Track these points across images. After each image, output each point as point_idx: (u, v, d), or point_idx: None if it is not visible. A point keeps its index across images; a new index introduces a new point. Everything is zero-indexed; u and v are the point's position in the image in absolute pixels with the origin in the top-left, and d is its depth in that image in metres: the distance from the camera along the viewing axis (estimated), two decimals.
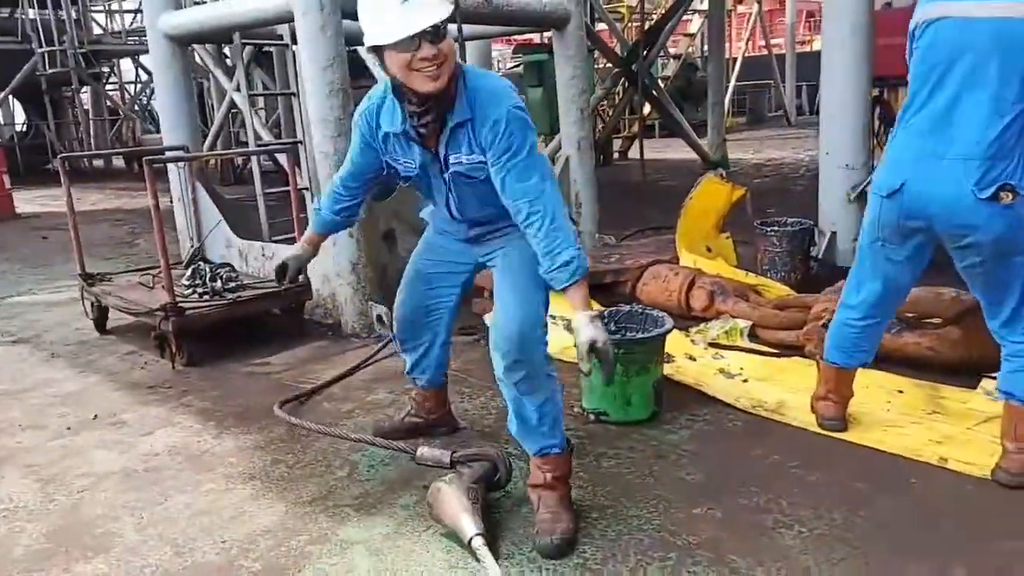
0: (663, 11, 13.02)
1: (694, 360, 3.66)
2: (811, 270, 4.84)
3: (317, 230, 2.78)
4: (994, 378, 2.64)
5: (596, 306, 4.12)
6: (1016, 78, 2.26)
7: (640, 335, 3.08)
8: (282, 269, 2.74)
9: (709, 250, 4.94)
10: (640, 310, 3.29)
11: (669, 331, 3.09)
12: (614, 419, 3.06)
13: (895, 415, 3.00)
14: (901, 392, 3.19)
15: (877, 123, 7.08)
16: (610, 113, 14.32)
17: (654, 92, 11.72)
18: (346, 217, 2.72)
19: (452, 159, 2.26)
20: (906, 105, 2.50)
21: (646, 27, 11.35)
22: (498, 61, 27.42)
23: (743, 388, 3.33)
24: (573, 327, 2.13)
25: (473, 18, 5.18)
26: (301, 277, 3.00)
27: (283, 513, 2.55)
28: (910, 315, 3.38)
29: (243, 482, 2.79)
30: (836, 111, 5.03)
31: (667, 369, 3.36)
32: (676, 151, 13.43)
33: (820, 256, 5.01)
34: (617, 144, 14.77)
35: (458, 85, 2.18)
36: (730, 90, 18.26)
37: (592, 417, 3.10)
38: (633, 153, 14.05)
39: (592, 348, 2.08)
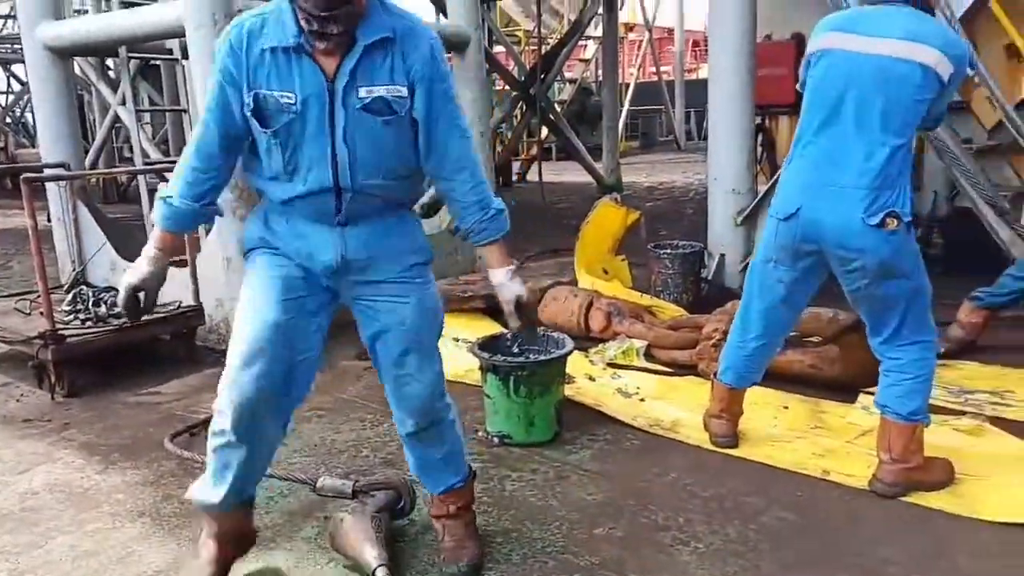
0: (559, 36, 13.35)
1: (593, 380, 3.75)
2: (702, 291, 5.04)
3: (170, 227, 1.98)
4: (871, 393, 2.83)
5: (493, 325, 4.19)
6: (898, 113, 2.45)
7: (542, 357, 3.13)
8: (134, 301, 1.95)
9: (606, 272, 5.08)
10: (542, 332, 3.35)
11: (570, 352, 3.16)
12: (517, 441, 3.09)
13: (782, 430, 3.16)
14: (787, 408, 3.36)
15: (760, 149, 7.48)
16: (509, 136, 14.51)
17: (551, 116, 11.96)
18: (208, 205, 1.99)
19: (362, 89, 1.81)
20: (799, 133, 2.67)
21: (543, 51, 11.57)
22: None
23: (640, 407, 3.43)
24: (496, 284, 2.11)
25: None
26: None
27: (176, 552, 2.44)
28: (793, 334, 3.57)
29: (131, 520, 2.65)
30: (722, 138, 5.28)
31: (568, 390, 3.43)
32: (573, 174, 13.71)
33: (710, 277, 5.23)
34: (517, 166, 14.96)
35: (361, 1, 1.80)
36: (623, 115, 18.82)
37: (496, 440, 3.12)
38: (532, 175, 14.30)
39: (518, 305, 2.09)
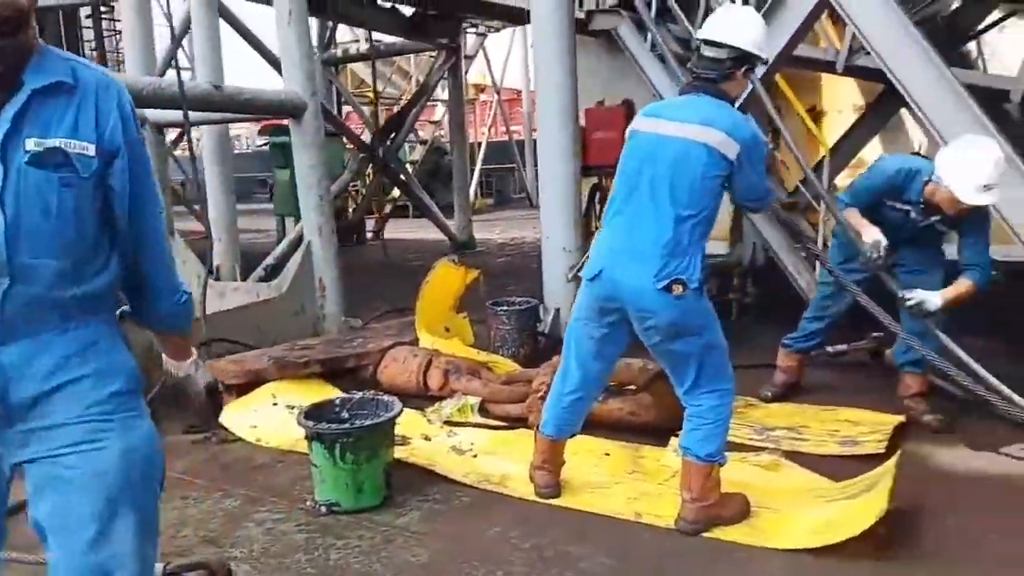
0: (408, 98, 13.61)
1: (429, 440, 3.80)
2: (539, 345, 5.23)
3: None
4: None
5: (331, 391, 4.17)
6: (689, 189, 2.73)
7: (367, 422, 3.16)
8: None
9: (448, 330, 5.18)
10: (371, 396, 3.39)
11: (397, 415, 3.21)
12: (346, 508, 3.08)
13: (603, 477, 3.33)
14: (608, 455, 3.54)
15: (598, 207, 7.91)
16: (363, 194, 14.53)
17: (401, 175, 12.13)
18: None
19: (32, 141, 1.41)
20: (609, 202, 2.95)
21: (394, 111, 11.79)
22: (245, 139, 26.80)
23: (472, 464, 3.51)
24: (183, 375, 1.84)
25: (204, 105, 5.12)
26: None
27: None
28: (612, 383, 3.79)
29: None
30: (551, 200, 5.57)
31: (402, 452, 3.46)
32: (428, 231, 13.88)
33: (547, 331, 5.44)
34: (371, 224, 14.97)
35: (33, 38, 1.45)
36: (476, 173, 19.29)
37: (324, 509, 3.09)
38: (388, 233, 14.34)
39: (211, 391, 1.88)
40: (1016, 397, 3.71)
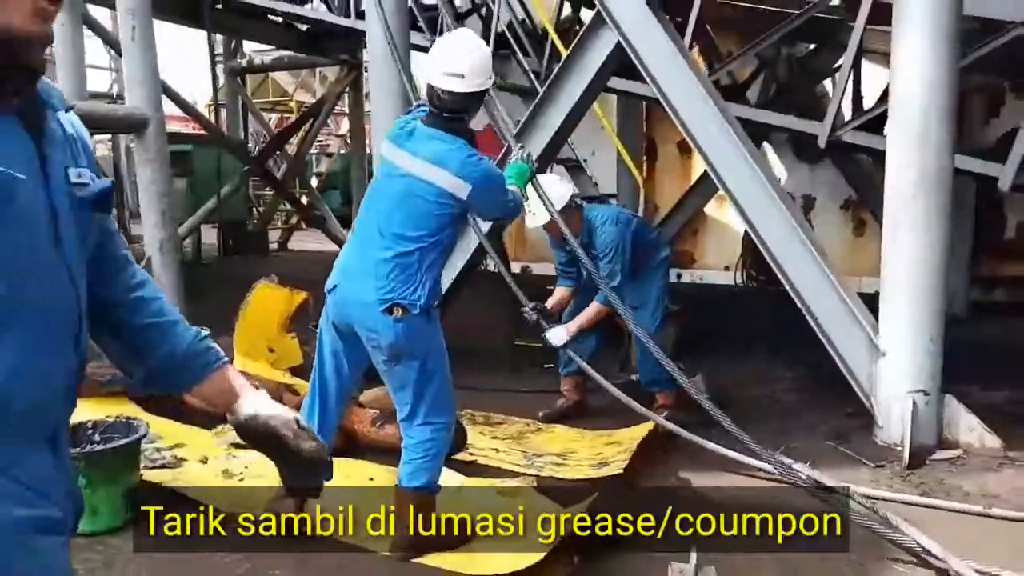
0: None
1: (205, 462, 3.85)
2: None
3: None
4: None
5: (126, 409, 4.17)
6: (417, 221, 2.84)
7: (99, 447, 3.21)
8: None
9: (272, 351, 5.24)
10: (125, 420, 3.44)
11: (139, 439, 3.27)
12: (82, 531, 3.12)
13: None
14: (372, 479, 3.65)
15: None
16: (266, 202, 14.49)
17: (293, 187, 12.15)
18: None
19: (73, 172, 1.12)
20: (355, 221, 3.07)
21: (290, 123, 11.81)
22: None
23: (232, 490, 3.57)
24: (256, 414, 1.32)
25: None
26: None
27: None
28: (388, 411, 3.90)
29: None
30: None
31: (167, 475, 3.52)
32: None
33: None
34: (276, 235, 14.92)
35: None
36: None
37: None
38: (293, 243, 14.31)
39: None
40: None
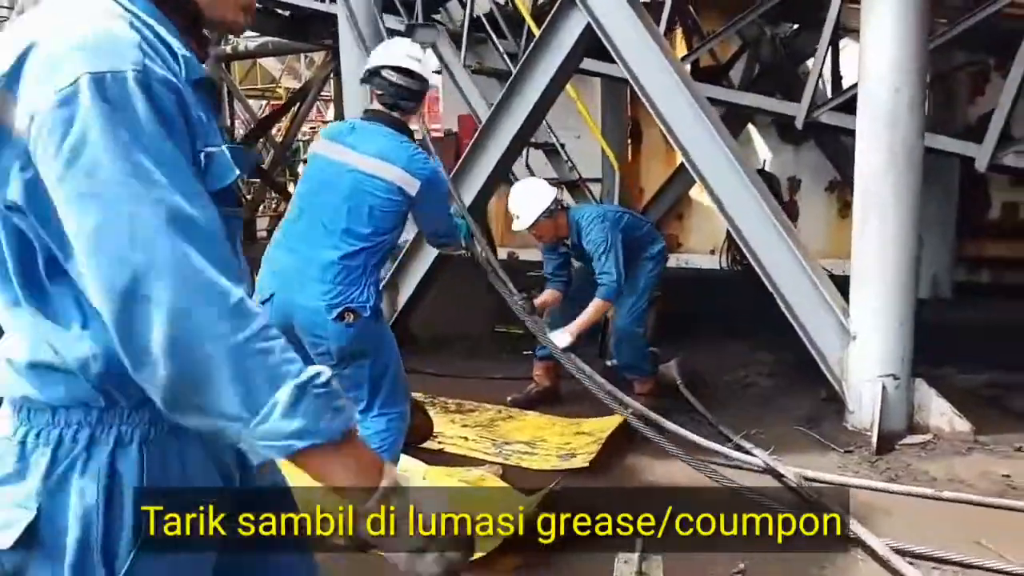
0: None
1: None
2: None
3: None
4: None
5: None
6: (363, 220, 2.77)
7: None
8: None
9: None
10: None
11: None
12: None
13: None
14: None
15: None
16: (255, 190, 14.42)
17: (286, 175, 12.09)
18: None
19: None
20: (283, 221, 2.96)
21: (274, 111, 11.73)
22: None
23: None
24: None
25: None
26: None
27: None
28: None
29: None
30: None
31: None
32: None
33: None
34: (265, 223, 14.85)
35: None
36: None
37: None
38: None
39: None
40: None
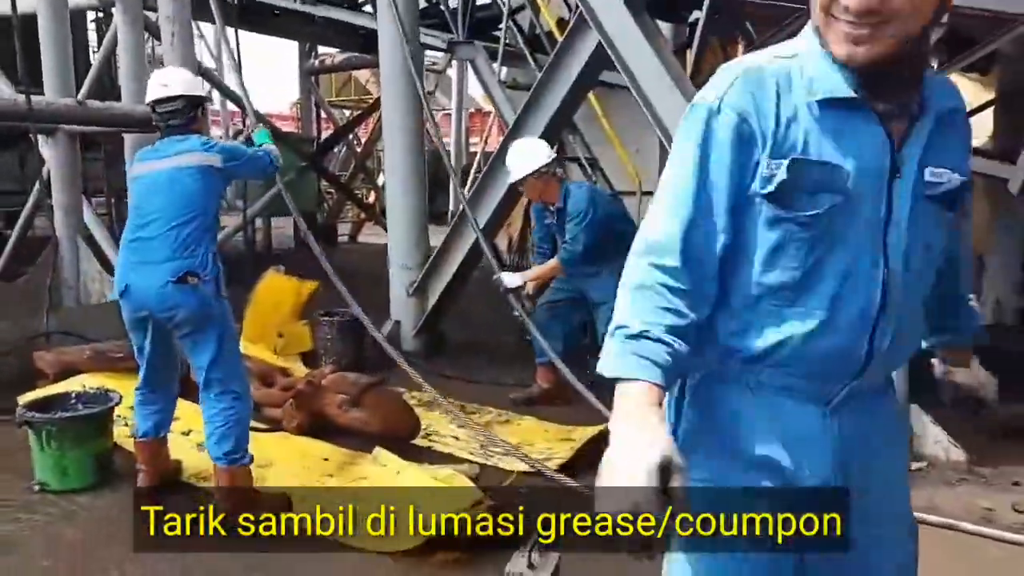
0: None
1: (187, 435, 4.18)
2: (364, 354, 5.54)
3: (661, 379, 1.14)
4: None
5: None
6: (186, 201, 3.20)
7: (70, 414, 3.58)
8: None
9: (281, 336, 5.57)
10: (104, 391, 3.80)
11: (108, 408, 3.62)
12: (53, 488, 3.50)
13: (304, 479, 3.67)
14: (327, 459, 3.88)
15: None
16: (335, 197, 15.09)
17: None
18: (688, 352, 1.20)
19: (930, 172, 1.23)
20: (124, 232, 3.36)
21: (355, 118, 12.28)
22: None
23: (197, 458, 3.87)
24: None
25: (67, 118, 5.62)
26: None
27: None
28: (352, 396, 4.12)
29: None
30: (396, 223, 5.96)
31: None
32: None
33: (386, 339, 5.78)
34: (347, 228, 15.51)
35: (922, 48, 1.20)
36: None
37: (37, 488, 3.51)
38: (363, 237, 14.86)
39: None
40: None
